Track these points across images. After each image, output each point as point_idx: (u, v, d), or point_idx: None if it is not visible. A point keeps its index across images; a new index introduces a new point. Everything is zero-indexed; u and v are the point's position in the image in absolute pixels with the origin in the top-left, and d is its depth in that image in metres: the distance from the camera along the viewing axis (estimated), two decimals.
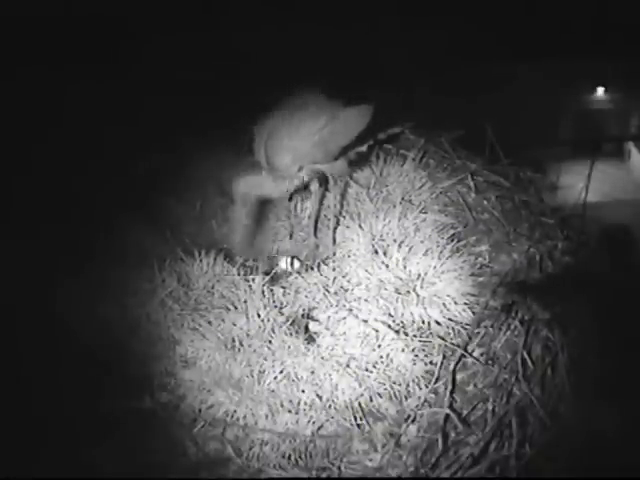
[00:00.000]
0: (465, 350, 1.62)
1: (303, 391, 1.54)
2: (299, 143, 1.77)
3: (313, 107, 1.79)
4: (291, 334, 1.63)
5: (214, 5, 2.72)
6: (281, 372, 1.56)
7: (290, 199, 2.09)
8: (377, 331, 1.63)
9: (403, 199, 1.99)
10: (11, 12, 2.27)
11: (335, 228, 1.96)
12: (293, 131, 1.77)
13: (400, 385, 1.56)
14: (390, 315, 1.67)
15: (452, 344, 1.63)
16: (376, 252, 1.79)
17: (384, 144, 2.12)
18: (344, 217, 1.98)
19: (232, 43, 2.67)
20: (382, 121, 1.91)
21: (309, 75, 1.93)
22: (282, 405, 1.53)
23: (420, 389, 1.56)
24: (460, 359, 1.61)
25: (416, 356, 1.60)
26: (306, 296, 1.76)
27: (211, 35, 2.66)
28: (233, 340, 1.64)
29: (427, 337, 1.64)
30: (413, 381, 1.56)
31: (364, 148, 1.94)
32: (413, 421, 1.51)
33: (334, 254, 1.91)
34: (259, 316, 1.66)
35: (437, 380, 1.57)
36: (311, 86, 1.86)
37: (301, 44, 2.68)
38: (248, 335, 1.64)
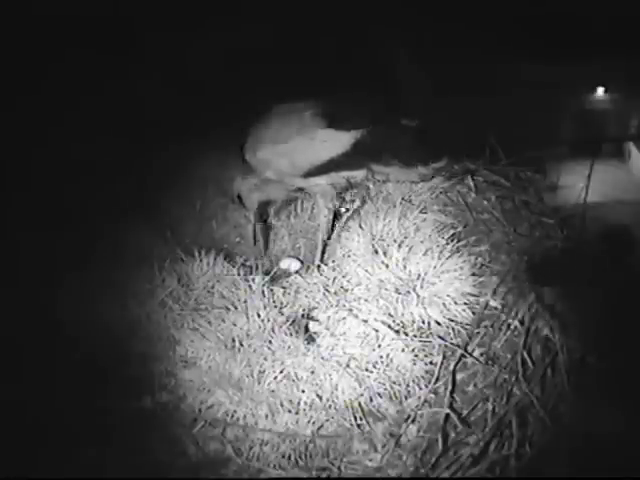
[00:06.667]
0: (465, 350, 1.63)
1: (303, 391, 1.54)
2: (271, 150, 1.80)
3: (292, 117, 1.80)
4: (291, 334, 1.63)
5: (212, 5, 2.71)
6: (281, 372, 1.56)
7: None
8: (377, 331, 1.63)
9: (403, 199, 1.99)
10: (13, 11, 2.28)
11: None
12: (268, 138, 1.80)
13: (400, 385, 1.56)
14: (390, 315, 1.67)
15: (452, 344, 1.63)
16: (376, 252, 1.79)
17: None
18: None
19: (232, 43, 2.67)
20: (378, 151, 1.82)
21: (304, 82, 1.91)
22: (282, 405, 1.53)
23: (420, 389, 1.56)
24: (460, 359, 1.61)
25: (416, 356, 1.60)
26: (306, 296, 1.76)
27: (211, 35, 2.66)
28: (233, 340, 1.64)
29: (427, 337, 1.64)
30: (413, 381, 1.56)
31: (358, 176, 1.88)
32: (413, 421, 1.51)
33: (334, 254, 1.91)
34: (259, 316, 1.66)
35: (437, 380, 1.57)
36: (302, 97, 1.84)
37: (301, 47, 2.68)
38: (248, 335, 1.64)
